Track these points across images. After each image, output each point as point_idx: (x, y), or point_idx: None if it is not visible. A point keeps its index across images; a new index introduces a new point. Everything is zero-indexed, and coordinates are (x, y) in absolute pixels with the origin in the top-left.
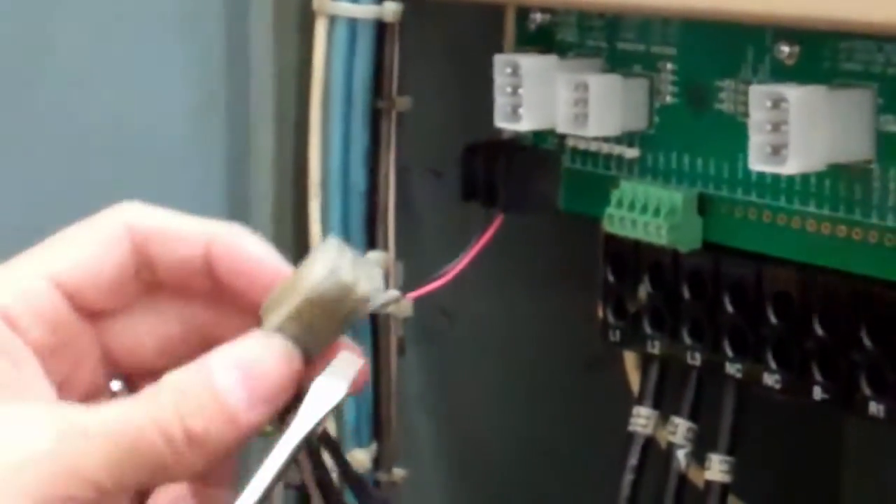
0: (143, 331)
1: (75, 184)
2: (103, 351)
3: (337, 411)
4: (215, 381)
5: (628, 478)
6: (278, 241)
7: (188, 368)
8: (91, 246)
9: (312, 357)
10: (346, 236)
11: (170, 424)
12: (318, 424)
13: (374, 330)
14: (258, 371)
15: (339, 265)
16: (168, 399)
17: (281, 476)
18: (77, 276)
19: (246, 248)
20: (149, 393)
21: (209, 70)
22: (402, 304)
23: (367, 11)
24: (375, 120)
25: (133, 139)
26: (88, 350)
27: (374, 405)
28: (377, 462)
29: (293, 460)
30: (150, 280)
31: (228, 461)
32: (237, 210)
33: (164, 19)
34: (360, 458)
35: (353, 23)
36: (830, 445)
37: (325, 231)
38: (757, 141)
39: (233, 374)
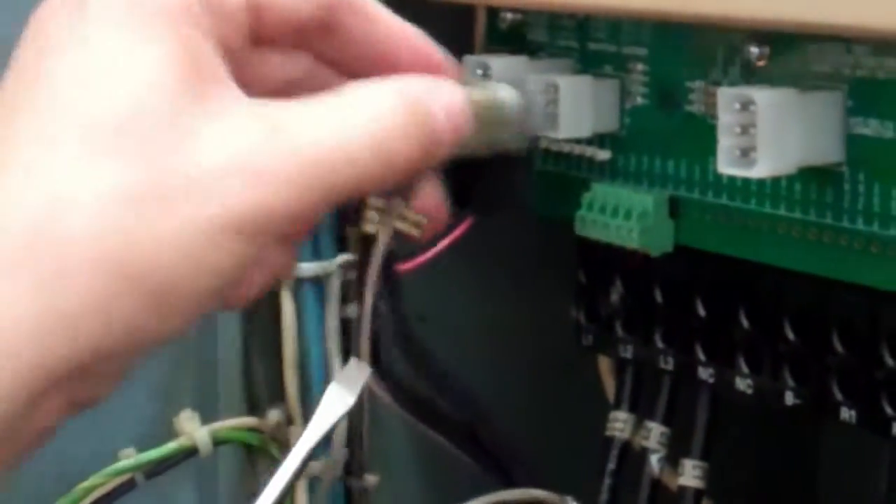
0: None
1: None
2: None
3: (307, 418)
4: (433, 116)
5: (607, 482)
6: None
7: (402, 97)
8: None
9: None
10: (316, 240)
11: (394, 144)
12: (329, 432)
13: (345, 334)
14: (458, 117)
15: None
16: (393, 121)
17: (296, 479)
18: None
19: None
20: (356, 110)
21: None
22: None
23: None
24: None
25: None
26: None
27: None
28: (349, 468)
29: (304, 466)
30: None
31: None
32: None
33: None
34: (332, 464)
35: None
36: (808, 450)
37: None
38: (726, 144)
39: (442, 113)
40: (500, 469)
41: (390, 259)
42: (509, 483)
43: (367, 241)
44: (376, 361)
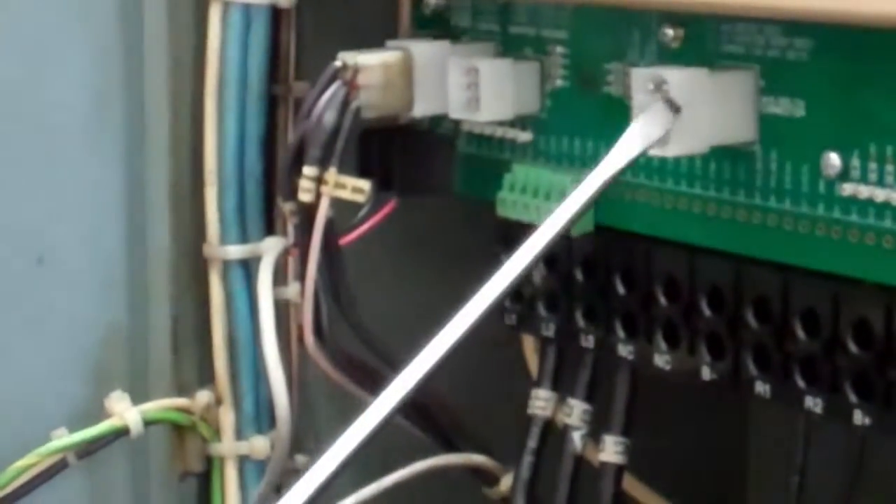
0: None
1: None
2: None
3: (236, 398)
4: None
5: (528, 460)
6: (176, 228)
7: None
8: None
9: None
10: (243, 223)
11: None
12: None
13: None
14: None
15: None
16: None
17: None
18: None
19: None
20: None
21: (104, 57)
22: None
23: None
24: (272, 106)
25: (27, 127)
26: None
27: None
28: None
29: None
30: None
31: None
32: (134, 197)
33: (57, 6)
34: (260, 445)
35: (247, 8)
36: (738, 426)
37: (222, 217)
38: None
39: None
40: (449, 442)
41: (329, 230)
42: None
43: (306, 213)
44: (319, 335)
